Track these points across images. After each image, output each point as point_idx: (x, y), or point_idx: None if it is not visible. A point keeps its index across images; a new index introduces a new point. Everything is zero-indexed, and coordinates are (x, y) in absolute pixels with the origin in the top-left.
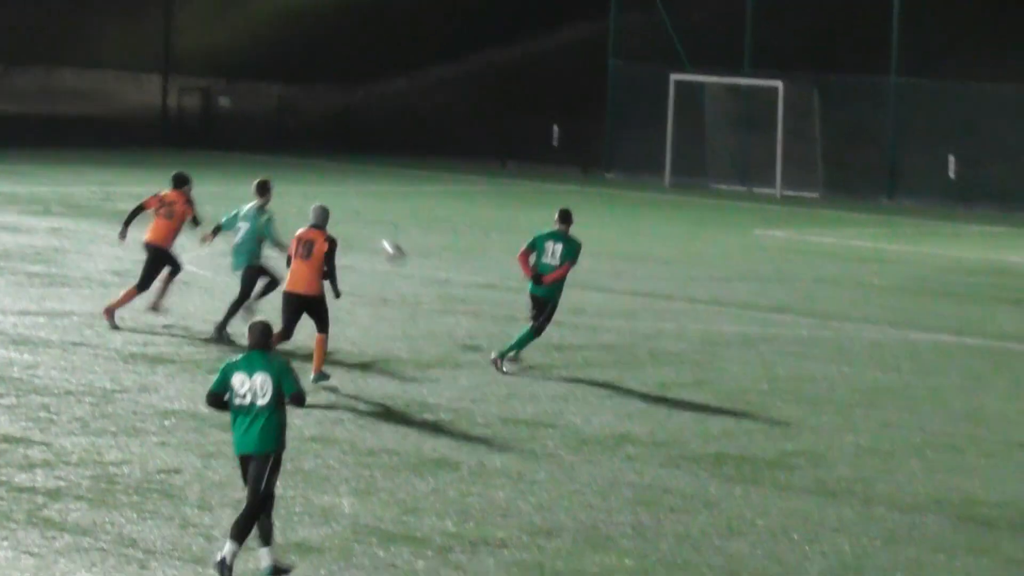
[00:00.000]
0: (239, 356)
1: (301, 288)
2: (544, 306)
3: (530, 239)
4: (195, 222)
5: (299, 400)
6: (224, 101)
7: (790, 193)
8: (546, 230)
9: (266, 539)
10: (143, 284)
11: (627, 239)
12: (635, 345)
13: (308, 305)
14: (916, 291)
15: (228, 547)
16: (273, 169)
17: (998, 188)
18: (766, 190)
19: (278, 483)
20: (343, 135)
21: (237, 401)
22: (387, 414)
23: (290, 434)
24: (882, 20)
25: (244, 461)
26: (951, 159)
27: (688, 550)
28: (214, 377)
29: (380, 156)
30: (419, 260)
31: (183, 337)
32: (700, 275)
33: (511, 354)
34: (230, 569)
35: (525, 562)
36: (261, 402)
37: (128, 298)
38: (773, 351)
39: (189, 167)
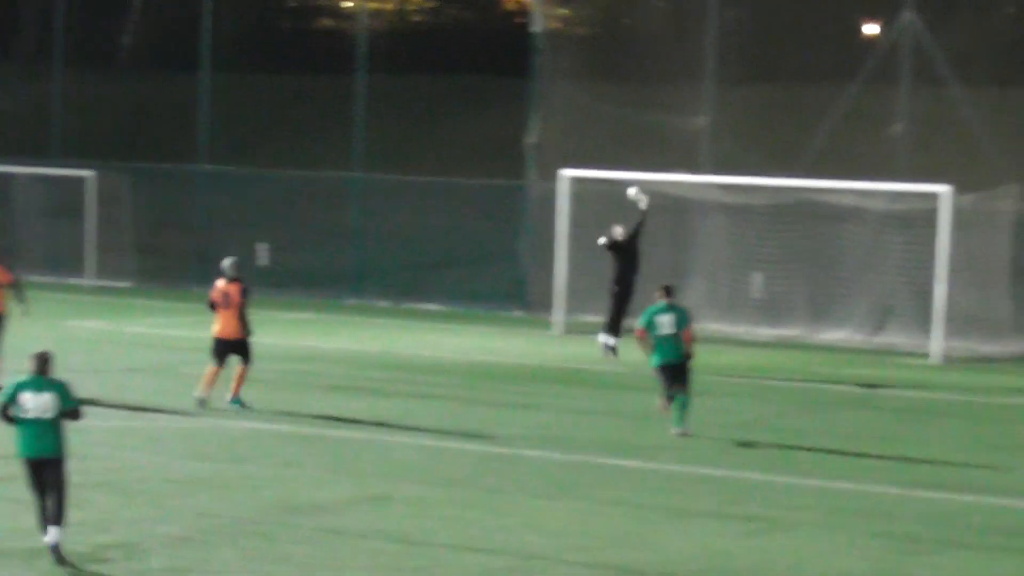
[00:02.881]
0: (26, 378)
1: (229, 334)
2: (682, 370)
3: (641, 318)
4: None
5: (76, 414)
6: None
7: (103, 283)
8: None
9: (57, 520)
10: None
11: None
12: None
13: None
14: (229, 379)
15: (53, 534)
16: None
17: (306, 274)
18: (79, 280)
19: None
20: None
21: (27, 415)
22: None
23: None
24: (190, 111)
25: (33, 464)
26: (263, 246)
27: None
28: None
29: None
30: None
31: None
32: (12, 369)
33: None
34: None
35: None
36: (48, 416)
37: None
38: (85, 442)
39: None
